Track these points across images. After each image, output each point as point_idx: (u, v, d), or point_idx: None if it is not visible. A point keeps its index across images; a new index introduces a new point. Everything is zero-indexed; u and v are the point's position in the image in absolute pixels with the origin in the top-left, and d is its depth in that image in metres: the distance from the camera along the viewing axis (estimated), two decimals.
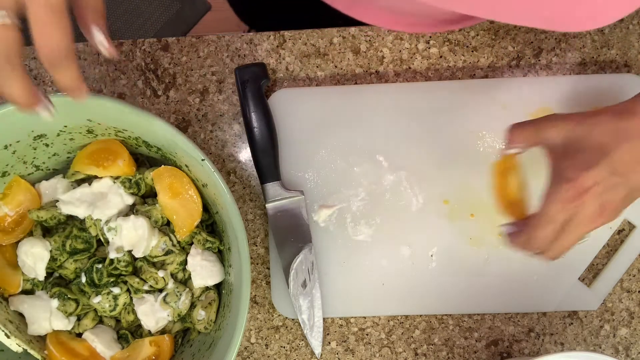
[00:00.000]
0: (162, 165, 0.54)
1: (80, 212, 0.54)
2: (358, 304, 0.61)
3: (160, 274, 0.54)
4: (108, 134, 0.54)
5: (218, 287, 0.56)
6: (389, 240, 0.60)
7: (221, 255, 0.56)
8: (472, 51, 0.63)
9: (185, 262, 0.55)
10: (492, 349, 0.61)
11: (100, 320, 0.56)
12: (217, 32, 0.64)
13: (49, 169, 0.58)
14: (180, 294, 0.54)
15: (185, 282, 0.56)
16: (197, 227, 0.54)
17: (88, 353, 0.54)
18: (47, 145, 0.54)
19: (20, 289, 0.55)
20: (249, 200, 0.63)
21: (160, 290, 0.55)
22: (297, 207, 0.60)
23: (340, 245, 0.61)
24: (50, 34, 0.33)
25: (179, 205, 0.54)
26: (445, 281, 0.60)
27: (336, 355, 0.61)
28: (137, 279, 0.54)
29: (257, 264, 0.62)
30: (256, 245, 0.62)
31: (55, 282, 0.55)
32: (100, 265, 0.53)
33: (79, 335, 0.55)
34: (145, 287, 0.54)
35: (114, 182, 0.55)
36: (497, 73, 0.63)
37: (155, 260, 0.54)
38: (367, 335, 0.61)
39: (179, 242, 0.54)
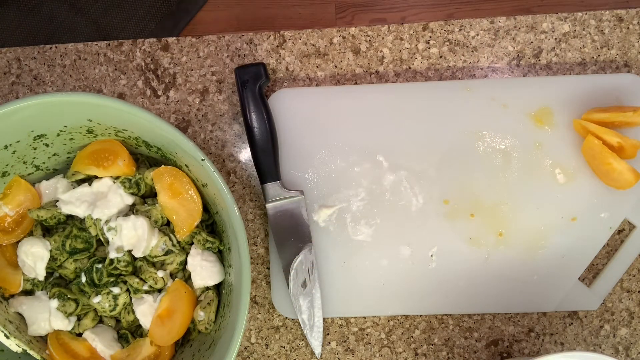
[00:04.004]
0: (162, 165, 0.54)
1: (80, 211, 0.54)
2: (358, 304, 0.61)
3: (160, 274, 0.54)
4: (108, 134, 0.54)
5: (218, 287, 0.56)
6: (389, 240, 0.60)
7: (221, 255, 0.56)
8: (472, 51, 0.63)
9: (185, 262, 0.55)
10: (492, 349, 0.61)
11: (100, 320, 0.56)
12: (217, 32, 0.64)
13: (49, 169, 0.58)
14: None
15: (185, 282, 0.56)
16: (197, 227, 0.54)
17: (89, 354, 0.54)
18: (47, 145, 0.54)
19: (20, 289, 0.55)
20: (249, 200, 0.63)
21: (160, 291, 0.55)
22: (297, 207, 0.60)
23: (340, 245, 0.61)
24: None
25: (179, 205, 0.54)
26: (445, 281, 0.60)
27: (336, 355, 0.61)
28: (136, 279, 0.54)
29: (257, 264, 0.62)
30: (256, 245, 0.62)
31: (55, 282, 0.55)
32: (100, 265, 0.53)
33: (80, 335, 0.55)
34: (145, 287, 0.54)
35: (114, 182, 0.55)
36: (497, 73, 0.63)
37: (155, 260, 0.54)
38: (367, 335, 0.61)
39: (179, 242, 0.54)
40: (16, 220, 0.55)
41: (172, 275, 0.56)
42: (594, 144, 0.57)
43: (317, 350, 0.61)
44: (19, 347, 0.52)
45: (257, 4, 1.42)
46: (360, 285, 0.60)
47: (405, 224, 0.61)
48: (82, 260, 0.55)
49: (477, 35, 0.63)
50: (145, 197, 0.57)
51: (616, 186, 0.58)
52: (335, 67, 0.63)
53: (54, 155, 0.56)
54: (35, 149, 0.54)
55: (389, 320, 0.61)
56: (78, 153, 0.56)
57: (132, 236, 0.53)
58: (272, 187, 0.59)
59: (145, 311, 0.54)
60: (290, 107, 0.62)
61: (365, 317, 0.61)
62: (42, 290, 0.55)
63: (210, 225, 0.57)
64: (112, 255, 0.53)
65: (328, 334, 0.61)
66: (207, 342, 0.53)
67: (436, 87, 0.61)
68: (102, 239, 0.54)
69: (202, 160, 0.48)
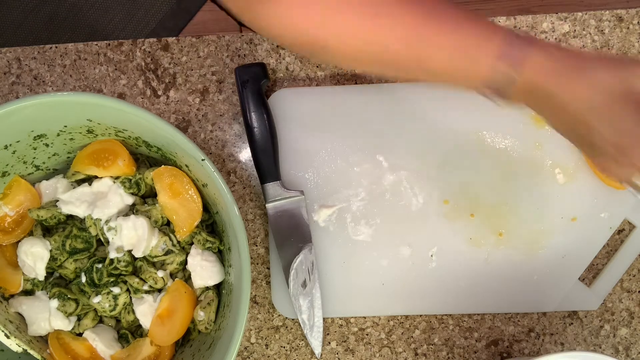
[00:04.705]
0: (162, 165, 0.54)
1: (80, 211, 0.54)
2: (358, 304, 0.61)
3: (160, 274, 0.54)
4: (108, 134, 0.54)
5: (218, 287, 0.56)
6: (389, 240, 0.60)
7: (221, 255, 0.56)
8: None
9: (185, 262, 0.55)
10: (492, 349, 0.61)
11: (100, 320, 0.56)
12: (217, 32, 0.64)
13: (49, 169, 0.58)
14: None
15: (185, 282, 0.56)
16: (197, 227, 0.54)
17: (89, 354, 0.54)
18: (47, 145, 0.54)
19: (20, 289, 0.55)
20: (249, 200, 0.63)
21: (160, 291, 0.55)
22: (297, 207, 0.60)
23: (340, 245, 0.61)
24: None
25: (179, 205, 0.54)
26: (445, 281, 0.60)
27: (336, 355, 0.61)
28: (136, 279, 0.54)
29: (257, 264, 0.62)
30: (256, 245, 0.62)
31: (55, 282, 0.55)
32: (100, 265, 0.53)
33: (80, 335, 0.55)
34: (145, 287, 0.54)
35: (114, 182, 0.55)
36: None
37: (155, 260, 0.54)
38: (367, 335, 0.61)
39: (179, 242, 0.54)
40: (16, 220, 0.55)
41: (172, 275, 0.56)
42: None
43: (317, 350, 0.61)
44: (19, 346, 0.52)
45: None
46: (360, 285, 0.60)
47: (405, 224, 0.60)
48: (82, 260, 0.55)
49: None
50: (145, 197, 0.57)
51: (616, 186, 0.58)
52: (335, 67, 0.63)
53: (54, 155, 0.56)
54: (35, 149, 0.54)
55: (389, 320, 0.61)
56: (78, 153, 0.56)
57: (132, 236, 0.53)
58: (272, 187, 0.59)
59: (145, 311, 0.54)
60: (290, 107, 0.62)
61: (365, 317, 0.61)
62: (42, 290, 0.55)
63: (210, 225, 0.57)
64: (112, 255, 0.53)
65: (328, 334, 0.61)
66: (207, 342, 0.53)
67: (436, 87, 0.61)
68: (102, 239, 0.54)
69: (202, 160, 0.48)
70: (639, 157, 0.41)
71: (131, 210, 0.55)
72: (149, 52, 0.64)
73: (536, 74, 0.41)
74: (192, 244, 0.55)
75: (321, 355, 0.61)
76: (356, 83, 0.63)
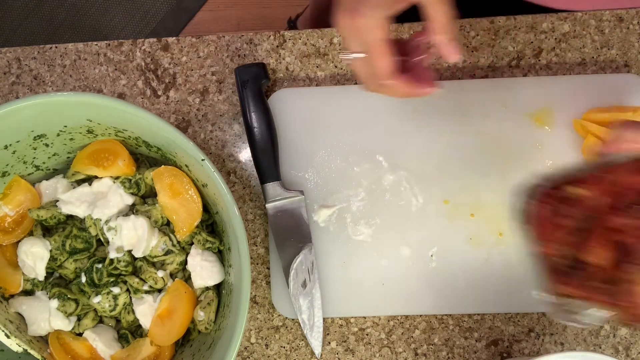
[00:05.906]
0: (162, 165, 0.54)
1: (80, 211, 0.54)
2: (358, 304, 0.61)
3: (160, 274, 0.54)
4: (108, 134, 0.54)
5: (218, 287, 0.56)
6: (389, 240, 0.60)
7: (221, 255, 0.56)
8: (472, 51, 0.63)
9: (185, 262, 0.55)
10: (492, 349, 0.61)
11: (100, 320, 0.56)
12: (217, 32, 0.64)
13: (49, 169, 0.58)
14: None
15: (185, 282, 0.56)
16: (197, 227, 0.54)
17: (89, 354, 0.54)
18: (47, 145, 0.54)
19: (20, 289, 0.55)
20: (249, 200, 0.63)
21: (160, 291, 0.55)
22: (297, 207, 0.60)
23: (340, 245, 0.61)
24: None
25: (179, 205, 0.54)
26: (445, 281, 0.60)
27: (336, 355, 0.61)
28: (136, 279, 0.54)
29: (257, 264, 0.62)
30: (256, 245, 0.62)
31: (55, 282, 0.55)
32: (100, 265, 0.53)
33: (80, 335, 0.55)
34: (145, 287, 0.54)
35: (114, 182, 0.55)
36: (497, 73, 0.63)
37: (155, 260, 0.54)
38: (367, 335, 0.61)
39: (179, 242, 0.54)
40: (16, 220, 0.55)
41: (172, 275, 0.56)
42: (594, 144, 0.57)
43: (317, 350, 0.61)
44: (19, 346, 0.52)
45: (257, 4, 1.43)
46: (360, 285, 0.60)
47: (405, 224, 0.61)
48: (82, 260, 0.55)
49: (477, 35, 0.63)
50: (145, 197, 0.57)
51: None
52: (335, 67, 0.63)
53: (54, 155, 0.56)
54: (35, 149, 0.54)
55: (389, 320, 0.61)
56: (78, 153, 0.56)
57: (132, 236, 0.53)
58: (272, 187, 0.59)
59: (145, 311, 0.54)
60: (290, 107, 0.62)
61: (365, 317, 0.61)
62: (42, 290, 0.55)
63: (210, 225, 0.57)
64: (112, 255, 0.53)
65: (328, 334, 0.61)
66: (207, 342, 0.53)
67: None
68: (102, 239, 0.54)
69: (202, 160, 0.48)
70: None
71: (131, 210, 0.55)
72: (149, 52, 0.64)
73: None
74: (192, 244, 0.55)
75: (321, 355, 0.61)
76: (356, 83, 0.63)
